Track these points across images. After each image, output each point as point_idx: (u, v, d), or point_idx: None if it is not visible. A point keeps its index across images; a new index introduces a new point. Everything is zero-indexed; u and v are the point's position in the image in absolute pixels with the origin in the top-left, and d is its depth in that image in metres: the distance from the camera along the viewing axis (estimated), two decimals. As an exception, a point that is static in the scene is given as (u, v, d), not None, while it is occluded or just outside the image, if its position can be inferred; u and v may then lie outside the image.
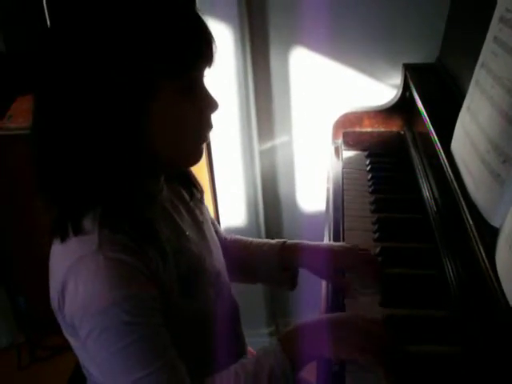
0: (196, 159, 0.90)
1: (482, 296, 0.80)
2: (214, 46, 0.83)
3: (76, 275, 0.78)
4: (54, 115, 0.79)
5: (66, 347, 2.34)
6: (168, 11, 0.78)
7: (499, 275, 0.73)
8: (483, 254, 0.79)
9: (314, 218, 1.93)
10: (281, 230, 2.02)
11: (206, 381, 0.84)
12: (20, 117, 1.96)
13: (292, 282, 1.17)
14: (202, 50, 0.81)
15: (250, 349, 1.19)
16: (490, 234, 0.81)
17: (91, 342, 0.79)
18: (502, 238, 0.76)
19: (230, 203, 1.90)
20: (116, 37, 0.76)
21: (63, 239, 0.82)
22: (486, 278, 0.76)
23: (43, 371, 2.19)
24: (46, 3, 1.67)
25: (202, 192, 1.08)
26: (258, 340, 1.86)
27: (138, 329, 0.78)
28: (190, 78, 0.82)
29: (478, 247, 0.81)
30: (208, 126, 0.87)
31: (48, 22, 0.83)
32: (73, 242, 0.81)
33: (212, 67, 0.84)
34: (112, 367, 0.80)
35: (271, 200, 1.98)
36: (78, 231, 0.81)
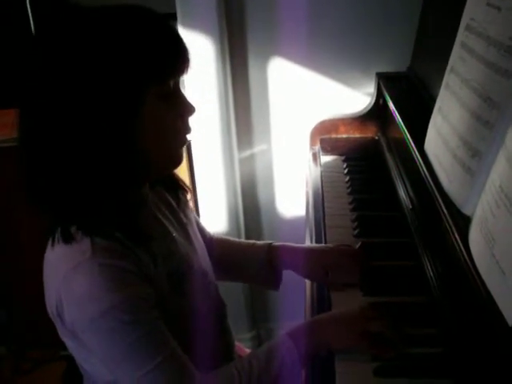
0: (178, 162, 0.94)
1: (459, 278, 0.86)
2: (188, 55, 0.87)
3: (73, 282, 0.81)
4: (45, 127, 0.82)
5: (49, 359, 2.34)
6: (148, 27, 0.84)
7: (473, 256, 0.80)
8: (458, 240, 0.85)
9: (292, 222, 1.99)
10: (260, 235, 2.07)
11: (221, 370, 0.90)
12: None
13: (276, 283, 1.23)
14: (178, 59, 0.86)
15: (237, 344, 1.24)
16: (464, 222, 0.87)
17: (96, 344, 0.83)
18: (474, 223, 0.83)
19: (211, 210, 1.93)
20: (102, 50, 0.80)
21: (59, 245, 0.85)
22: (461, 261, 0.83)
23: (26, 384, 2.19)
24: (33, 18, 1.70)
25: (186, 195, 1.12)
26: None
27: (139, 326, 0.82)
28: (170, 85, 0.87)
29: (453, 234, 0.87)
30: (187, 129, 0.92)
31: (35, 37, 0.85)
32: (67, 251, 0.84)
33: (188, 73, 0.89)
34: (119, 366, 0.84)
35: (251, 206, 2.03)
36: (71, 239, 0.84)
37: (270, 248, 1.19)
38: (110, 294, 0.80)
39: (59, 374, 1.66)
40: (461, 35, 1.06)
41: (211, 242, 1.24)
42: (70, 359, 0.99)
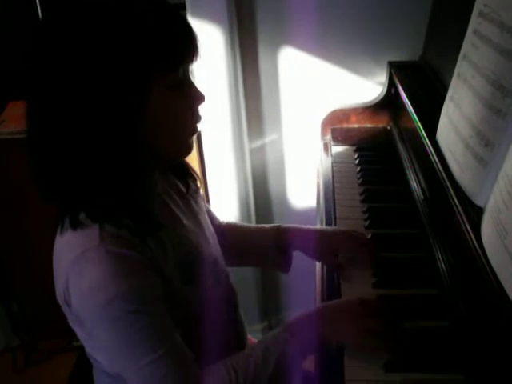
0: (188, 151, 0.93)
1: (470, 270, 0.85)
2: (197, 43, 0.86)
3: (80, 269, 0.81)
4: (51, 117, 0.81)
5: (61, 350, 2.35)
6: (156, 14, 0.82)
7: (485, 247, 0.78)
8: (470, 231, 0.84)
9: (303, 213, 1.98)
10: (272, 226, 2.05)
11: (216, 365, 0.89)
12: (13, 122, 1.97)
13: (287, 265, 1.22)
14: (187, 47, 0.85)
15: (249, 337, 1.23)
16: (476, 213, 0.85)
17: (100, 332, 0.83)
18: (487, 214, 0.81)
19: (221, 201, 1.93)
20: (109, 38, 0.78)
21: (68, 232, 0.84)
22: (472, 252, 0.81)
23: (38, 374, 2.19)
24: (40, 7, 1.70)
25: (197, 182, 1.11)
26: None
27: (143, 317, 0.81)
28: (178, 73, 0.85)
29: (465, 225, 0.86)
30: (197, 117, 0.91)
31: (40, 25, 0.86)
32: (75, 237, 0.83)
33: (197, 62, 0.88)
34: (122, 354, 0.83)
35: (262, 197, 2.02)
36: (80, 226, 0.83)
37: (279, 231, 1.19)
38: (116, 283, 0.79)
39: (71, 364, 1.66)
40: (473, 22, 1.03)
41: (221, 228, 1.23)
42: (82, 349, 1.00)
